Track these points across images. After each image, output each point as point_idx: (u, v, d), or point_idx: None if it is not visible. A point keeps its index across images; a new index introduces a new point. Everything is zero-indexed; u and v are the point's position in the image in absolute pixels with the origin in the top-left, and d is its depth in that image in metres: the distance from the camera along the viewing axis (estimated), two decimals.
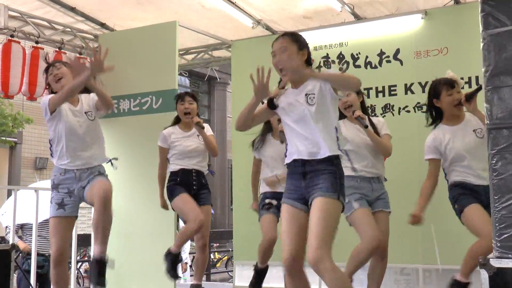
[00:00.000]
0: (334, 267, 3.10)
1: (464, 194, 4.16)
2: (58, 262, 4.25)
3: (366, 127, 4.35)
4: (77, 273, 9.69)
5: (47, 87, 4.54)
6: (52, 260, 4.28)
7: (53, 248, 4.27)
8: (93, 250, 4.27)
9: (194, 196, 5.18)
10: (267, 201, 5.01)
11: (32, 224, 5.77)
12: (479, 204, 4.03)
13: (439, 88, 4.30)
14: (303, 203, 3.35)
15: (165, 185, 5.25)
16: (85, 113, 4.41)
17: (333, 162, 3.34)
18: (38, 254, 6.00)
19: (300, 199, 3.36)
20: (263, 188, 5.11)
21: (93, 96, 4.43)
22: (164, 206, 5.24)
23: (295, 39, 3.48)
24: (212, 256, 13.56)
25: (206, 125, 5.22)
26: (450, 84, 4.25)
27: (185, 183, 5.15)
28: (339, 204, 3.31)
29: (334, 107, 3.45)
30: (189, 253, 10.49)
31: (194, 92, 5.48)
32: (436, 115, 4.42)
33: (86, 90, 4.44)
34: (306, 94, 3.40)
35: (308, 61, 3.49)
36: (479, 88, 4.11)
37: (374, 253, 4.22)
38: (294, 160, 3.40)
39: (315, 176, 3.32)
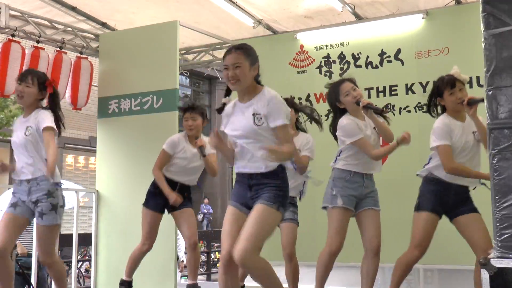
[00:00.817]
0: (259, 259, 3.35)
1: (432, 194, 4.21)
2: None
3: (381, 111, 4.43)
4: (78, 272, 9.70)
5: None
6: None
7: None
8: None
9: (172, 206, 5.19)
10: None
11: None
12: (435, 214, 4.16)
13: (441, 88, 4.29)
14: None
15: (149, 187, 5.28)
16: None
17: (278, 175, 3.50)
18: (28, 255, 6.02)
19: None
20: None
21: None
22: (177, 200, 5.13)
23: (248, 54, 3.55)
24: (212, 255, 13.55)
25: (207, 143, 5.07)
26: (451, 84, 4.23)
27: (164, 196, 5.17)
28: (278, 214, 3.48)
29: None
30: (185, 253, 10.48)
31: (198, 105, 5.33)
32: (441, 110, 4.40)
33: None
34: (253, 114, 3.48)
35: (257, 76, 3.61)
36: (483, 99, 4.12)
37: (333, 258, 4.35)
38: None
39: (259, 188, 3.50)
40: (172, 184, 5.17)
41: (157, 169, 5.18)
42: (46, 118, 4.26)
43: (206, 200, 21.09)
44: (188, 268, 5.34)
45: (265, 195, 3.43)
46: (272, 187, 3.45)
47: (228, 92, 3.70)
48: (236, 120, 3.56)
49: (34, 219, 4.38)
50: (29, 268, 6.11)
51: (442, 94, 4.30)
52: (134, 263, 5.29)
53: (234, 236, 3.42)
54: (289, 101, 4.86)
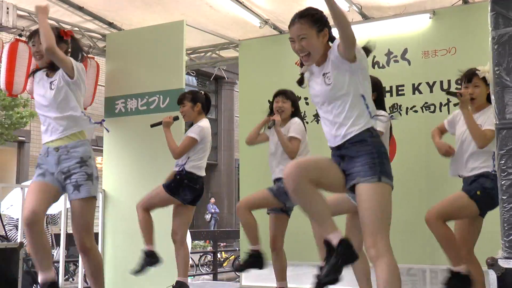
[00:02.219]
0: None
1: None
2: (31, 222, 3.78)
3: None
4: (84, 271, 9.72)
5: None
6: (25, 221, 3.81)
7: (26, 209, 3.85)
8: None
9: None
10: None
11: (55, 213, 5.80)
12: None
13: (462, 79, 4.35)
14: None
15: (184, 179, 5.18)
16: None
17: (366, 140, 3.11)
18: None
19: None
20: (276, 175, 4.96)
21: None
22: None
23: (313, 21, 3.17)
24: (219, 255, 13.57)
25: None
26: (467, 77, 4.26)
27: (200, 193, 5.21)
28: (385, 186, 3.08)
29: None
30: (193, 252, 10.49)
31: (186, 93, 5.34)
32: None
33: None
34: (323, 74, 3.22)
35: (331, 39, 3.23)
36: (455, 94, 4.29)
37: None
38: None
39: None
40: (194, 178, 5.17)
41: (177, 152, 5.14)
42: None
43: (212, 200, 21.11)
44: (177, 265, 5.19)
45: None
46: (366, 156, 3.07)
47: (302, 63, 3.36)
48: (314, 84, 3.29)
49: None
50: None
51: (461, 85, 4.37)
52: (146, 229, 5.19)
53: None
54: (288, 93, 5.04)
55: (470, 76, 4.25)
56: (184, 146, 5.09)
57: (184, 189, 5.11)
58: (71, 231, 4.19)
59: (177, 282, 5.14)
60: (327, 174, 3.12)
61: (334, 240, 2.93)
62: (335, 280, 2.90)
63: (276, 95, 5.06)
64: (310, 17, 3.18)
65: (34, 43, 4.11)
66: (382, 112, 4.44)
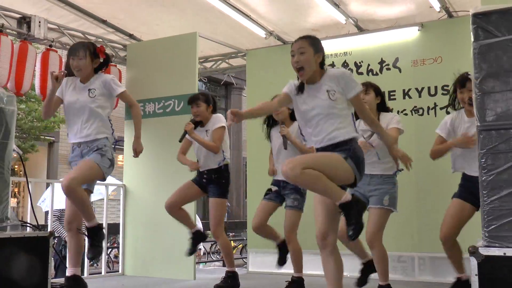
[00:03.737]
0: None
1: (460, 186, 4.18)
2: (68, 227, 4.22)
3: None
4: (107, 258, 9.77)
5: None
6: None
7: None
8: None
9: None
10: (270, 187, 4.98)
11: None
12: (462, 199, 4.10)
13: (455, 85, 4.22)
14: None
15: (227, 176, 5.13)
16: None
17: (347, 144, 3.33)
18: None
19: None
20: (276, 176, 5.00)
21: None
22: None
23: (312, 43, 3.45)
24: None
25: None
26: (461, 83, 4.14)
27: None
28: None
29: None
30: (207, 241, 10.48)
31: (199, 94, 5.28)
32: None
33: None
34: (327, 91, 3.36)
35: (322, 64, 3.47)
36: None
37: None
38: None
39: None
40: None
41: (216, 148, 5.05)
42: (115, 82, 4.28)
43: None
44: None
45: None
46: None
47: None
48: (309, 99, 3.41)
49: None
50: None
51: (455, 91, 4.22)
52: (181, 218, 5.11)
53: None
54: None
55: (463, 81, 4.12)
56: (220, 138, 4.99)
57: (226, 182, 5.10)
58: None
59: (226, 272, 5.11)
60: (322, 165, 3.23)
61: (347, 198, 3.17)
62: (361, 227, 3.22)
63: None
64: (311, 39, 3.49)
65: (74, 57, 4.17)
66: (393, 114, 4.45)
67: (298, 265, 4.84)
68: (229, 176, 5.14)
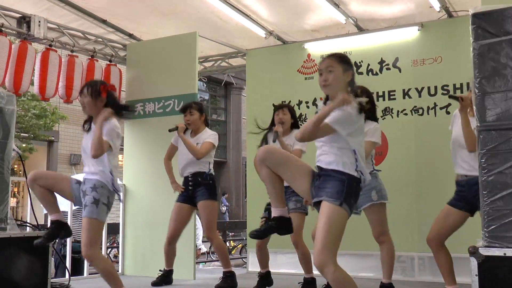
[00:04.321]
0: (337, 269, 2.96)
1: (455, 191, 4.17)
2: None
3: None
4: (107, 257, 9.76)
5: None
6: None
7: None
8: None
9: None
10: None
11: (67, 211, 5.82)
12: (451, 206, 4.11)
13: (468, 85, 4.25)
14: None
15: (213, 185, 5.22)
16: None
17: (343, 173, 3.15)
18: (75, 241, 6.05)
19: None
20: None
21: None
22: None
23: (341, 60, 3.24)
24: (228, 244, 13.58)
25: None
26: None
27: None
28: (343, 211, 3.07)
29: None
30: (205, 241, 10.48)
31: (193, 103, 5.33)
32: None
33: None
34: None
35: (352, 83, 3.26)
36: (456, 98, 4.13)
37: None
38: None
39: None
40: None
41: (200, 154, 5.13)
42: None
43: (226, 195, 21.20)
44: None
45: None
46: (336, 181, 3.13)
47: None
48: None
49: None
50: (77, 252, 6.20)
51: None
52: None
53: None
54: (288, 106, 5.03)
55: None
56: (207, 150, 5.07)
57: (214, 184, 5.20)
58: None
59: (224, 273, 5.18)
60: (289, 171, 3.25)
61: (274, 213, 3.31)
62: (259, 238, 3.65)
63: (277, 108, 4.97)
64: (340, 57, 3.27)
65: (81, 95, 4.15)
66: (374, 124, 4.46)
67: (308, 267, 4.85)
68: (215, 180, 5.24)
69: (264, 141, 5.08)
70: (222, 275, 5.15)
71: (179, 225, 5.18)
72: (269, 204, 4.84)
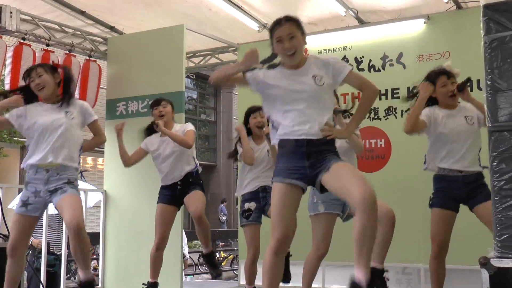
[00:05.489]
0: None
1: (441, 191, 4.24)
2: (11, 253, 4.00)
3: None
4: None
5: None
6: (7, 250, 4.03)
7: (9, 240, 4.06)
8: (79, 275, 3.99)
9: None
10: (246, 206, 4.90)
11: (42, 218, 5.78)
12: (446, 209, 4.20)
13: (434, 78, 4.25)
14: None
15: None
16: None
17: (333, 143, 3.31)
18: (49, 253, 6.02)
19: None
20: (241, 191, 4.99)
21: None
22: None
23: (299, 25, 3.38)
24: (218, 255, 13.56)
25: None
26: (446, 74, 4.23)
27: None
28: None
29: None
30: (192, 252, 10.45)
31: (163, 98, 5.40)
32: (432, 102, 4.33)
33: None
34: (313, 76, 3.31)
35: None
36: (469, 79, 4.24)
37: (320, 260, 4.24)
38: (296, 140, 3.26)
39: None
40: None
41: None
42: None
43: (225, 203, 21.20)
44: (200, 240, 5.31)
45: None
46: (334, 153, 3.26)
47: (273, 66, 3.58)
48: (293, 84, 3.35)
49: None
50: (52, 266, 6.15)
51: (434, 85, 4.25)
52: None
53: (289, 218, 3.21)
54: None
55: (447, 73, 4.28)
56: (193, 138, 5.10)
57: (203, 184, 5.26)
58: None
59: (205, 254, 5.35)
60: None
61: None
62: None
63: (253, 111, 5.00)
64: (296, 21, 3.39)
65: (33, 78, 4.12)
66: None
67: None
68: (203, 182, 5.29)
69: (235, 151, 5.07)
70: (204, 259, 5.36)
71: (166, 228, 5.18)
72: (248, 210, 4.88)
